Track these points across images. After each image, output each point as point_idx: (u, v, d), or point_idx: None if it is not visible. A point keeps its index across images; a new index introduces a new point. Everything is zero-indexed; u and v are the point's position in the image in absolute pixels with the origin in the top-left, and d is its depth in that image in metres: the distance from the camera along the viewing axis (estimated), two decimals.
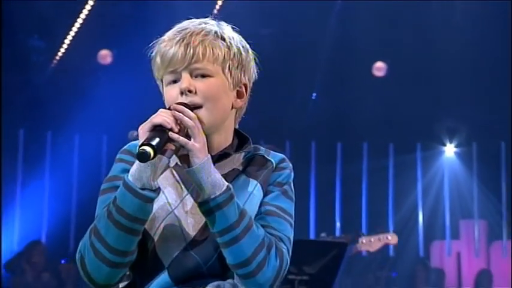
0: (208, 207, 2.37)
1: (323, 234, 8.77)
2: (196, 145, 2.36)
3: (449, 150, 15.30)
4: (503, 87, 13.30)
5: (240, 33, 2.66)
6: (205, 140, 2.40)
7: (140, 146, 2.27)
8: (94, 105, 12.18)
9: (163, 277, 2.46)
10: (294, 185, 2.68)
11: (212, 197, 2.37)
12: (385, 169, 15.34)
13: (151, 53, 2.58)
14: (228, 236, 2.38)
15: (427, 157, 15.37)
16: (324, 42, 13.22)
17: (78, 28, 12.92)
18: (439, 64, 13.06)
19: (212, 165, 2.40)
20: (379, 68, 13.57)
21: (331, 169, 15.25)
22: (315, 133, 14.83)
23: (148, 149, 2.25)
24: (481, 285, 13.97)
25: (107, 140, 13.86)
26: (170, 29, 2.57)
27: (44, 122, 14.11)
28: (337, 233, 13.90)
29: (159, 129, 2.33)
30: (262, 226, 2.50)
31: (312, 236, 13.77)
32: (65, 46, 13.22)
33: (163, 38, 2.54)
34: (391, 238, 8.01)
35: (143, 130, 2.33)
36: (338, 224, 15.04)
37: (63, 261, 13.39)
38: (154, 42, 2.56)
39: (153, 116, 2.36)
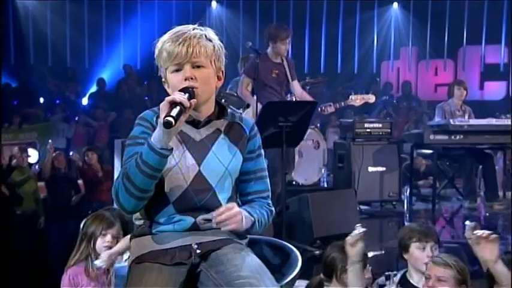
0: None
1: (308, 78, 8.76)
2: (238, 217, 2.30)
3: (395, 5, 15.30)
4: None
5: None
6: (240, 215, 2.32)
7: (165, 117, 2.16)
8: None
9: (169, 208, 2.36)
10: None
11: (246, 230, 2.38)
12: (354, 20, 15.33)
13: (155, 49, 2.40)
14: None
15: (381, 11, 15.34)
16: None
17: None
18: None
19: (243, 218, 2.33)
20: None
21: (319, 22, 15.23)
22: None
23: (171, 119, 2.15)
24: (405, 92, 14.57)
25: (175, 5, 14.16)
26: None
27: None
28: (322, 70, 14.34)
29: (175, 105, 2.21)
30: (256, 192, 2.47)
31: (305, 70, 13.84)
32: None
33: (164, 39, 2.36)
34: (370, 98, 7.67)
35: (165, 106, 2.21)
36: (322, 64, 15.17)
37: (145, 82, 13.98)
38: (156, 41, 2.39)
39: (171, 95, 2.25)
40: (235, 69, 8.37)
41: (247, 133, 2.47)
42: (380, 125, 8.32)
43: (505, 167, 9.49)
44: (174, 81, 2.36)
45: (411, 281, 3.60)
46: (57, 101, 13.58)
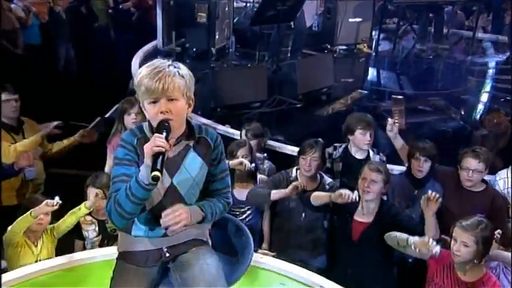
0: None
1: None
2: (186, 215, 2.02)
3: None
4: None
5: None
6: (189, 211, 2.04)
7: (151, 171, 1.85)
8: None
9: (146, 214, 2.11)
10: None
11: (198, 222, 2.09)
12: None
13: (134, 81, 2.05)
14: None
15: None
16: None
17: None
18: None
19: (191, 215, 2.04)
20: None
21: None
22: None
23: (157, 173, 1.85)
24: None
25: None
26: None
27: None
28: None
29: (158, 154, 1.88)
30: (217, 190, 2.18)
31: None
32: None
33: (143, 74, 1.99)
34: None
35: (148, 154, 1.88)
36: None
37: None
38: (136, 74, 2.04)
39: (151, 142, 1.89)
40: None
41: (212, 145, 2.16)
42: None
43: (452, 12, 9.18)
44: (150, 113, 2.03)
45: (351, 152, 3.84)
46: None
